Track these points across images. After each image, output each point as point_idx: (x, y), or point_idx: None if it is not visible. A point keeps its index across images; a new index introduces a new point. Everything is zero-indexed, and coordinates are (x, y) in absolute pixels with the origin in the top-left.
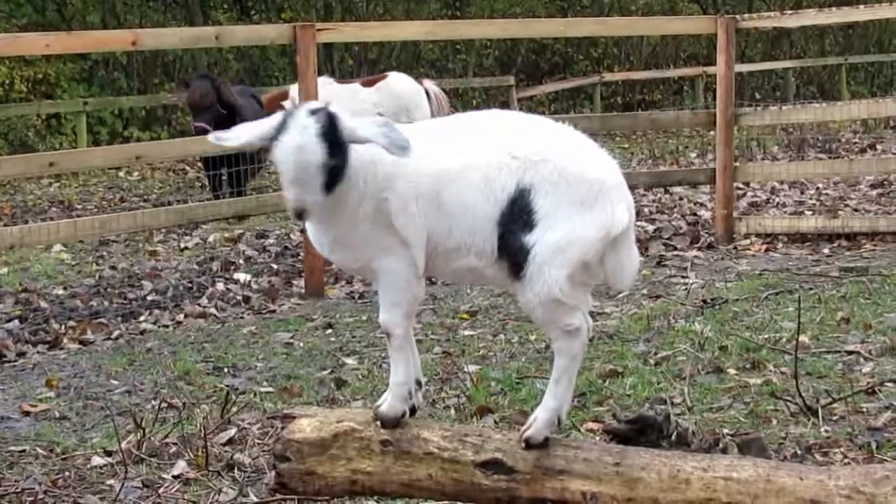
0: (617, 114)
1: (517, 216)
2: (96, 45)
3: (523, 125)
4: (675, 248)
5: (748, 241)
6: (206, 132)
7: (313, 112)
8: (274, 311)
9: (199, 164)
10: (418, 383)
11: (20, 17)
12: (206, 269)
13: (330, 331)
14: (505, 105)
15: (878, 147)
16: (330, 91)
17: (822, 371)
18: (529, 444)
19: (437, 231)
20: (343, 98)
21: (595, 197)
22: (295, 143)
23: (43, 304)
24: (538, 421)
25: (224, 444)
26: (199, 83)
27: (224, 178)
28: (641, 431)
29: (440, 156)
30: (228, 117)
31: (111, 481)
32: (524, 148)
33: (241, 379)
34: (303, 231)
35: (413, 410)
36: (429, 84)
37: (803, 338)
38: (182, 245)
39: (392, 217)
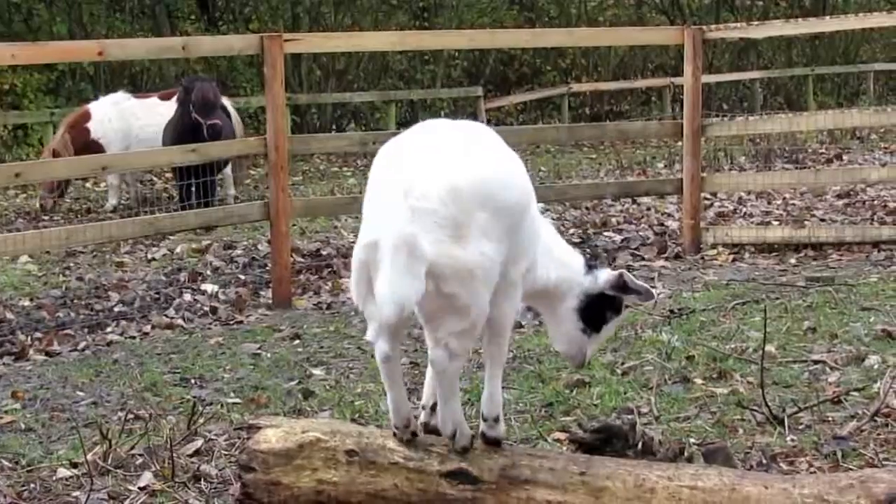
0: (585, 124)
1: None
2: (63, 56)
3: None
4: (643, 258)
5: (715, 252)
6: (221, 130)
7: None
8: (241, 322)
9: (169, 174)
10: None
11: None
12: (173, 279)
13: (297, 341)
14: (473, 116)
15: (845, 157)
16: (126, 107)
17: (788, 380)
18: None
19: None
20: (140, 114)
21: (366, 212)
22: None
23: (9, 315)
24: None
25: (190, 456)
26: (206, 84)
27: (193, 188)
28: (607, 441)
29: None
30: (227, 115)
31: (77, 493)
32: None
33: (208, 390)
34: (269, 242)
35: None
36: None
37: (770, 347)
38: (149, 256)
39: None
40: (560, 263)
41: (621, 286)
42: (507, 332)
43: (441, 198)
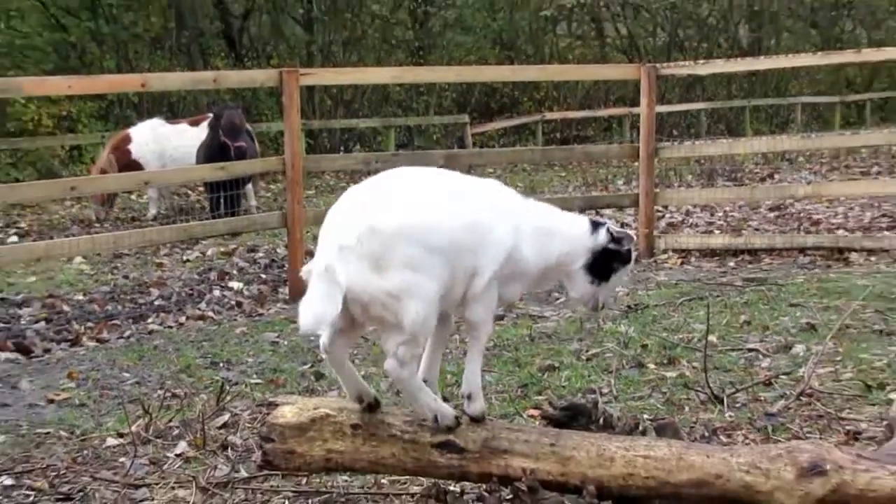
0: (556, 147)
1: None
2: (111, 87)
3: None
4: None
5: (666, 256)
6: (246, 151)
7: None
8: (262, 315)
9: (201, 187)
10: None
11: (47, 63)
12: (204, 278)
13: None
14: (460, 139)
15: (776, 176)
16: (161, 132)
17: (727, 366)
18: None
19: None
20: (172, 138)
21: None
22: None
23: (65, 308)
24: None
25: (219, 428)
26: (234, 111)
27: (221, 200)
28: (574, 417)
29: None
30: (251, 139)
31: (123, 459)
32: None
33: (234, 372)
34: (287, 246)
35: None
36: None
37: (712, 337)
38: (184, 258)
39: None
40: (563, 238)
41: (612, 238)
42: (483, 327)
43: (359, 236)
